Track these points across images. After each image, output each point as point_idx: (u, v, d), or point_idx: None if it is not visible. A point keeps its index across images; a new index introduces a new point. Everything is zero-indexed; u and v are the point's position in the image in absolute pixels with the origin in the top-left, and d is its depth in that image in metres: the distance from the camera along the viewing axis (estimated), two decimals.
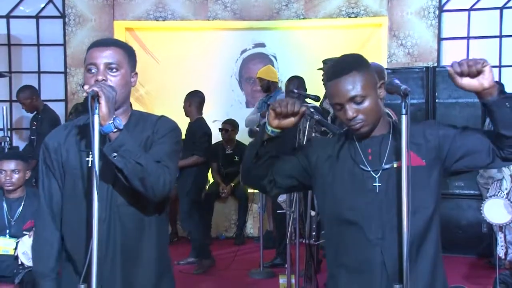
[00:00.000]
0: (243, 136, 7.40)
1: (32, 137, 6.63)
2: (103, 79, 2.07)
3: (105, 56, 2.10)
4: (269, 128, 2.04)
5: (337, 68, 2.00)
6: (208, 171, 6.31)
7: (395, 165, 1.99)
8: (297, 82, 5.75)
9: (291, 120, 2.02)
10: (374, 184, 2.00)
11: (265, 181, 2.14)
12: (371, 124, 2.00)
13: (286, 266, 4.54)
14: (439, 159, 2.01)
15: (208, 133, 5.93)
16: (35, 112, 6.65)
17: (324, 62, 6.07)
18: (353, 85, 1.95)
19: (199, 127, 5.77)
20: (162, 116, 2.27)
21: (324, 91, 5.78)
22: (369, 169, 2.01)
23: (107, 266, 2.09)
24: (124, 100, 2.17)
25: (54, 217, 2.20)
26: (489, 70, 1.81)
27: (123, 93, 2.14)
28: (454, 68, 1.84)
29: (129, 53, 2.20)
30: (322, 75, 5.89)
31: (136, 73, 2.22)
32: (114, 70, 2.11)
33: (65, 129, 2.24)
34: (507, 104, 1.83)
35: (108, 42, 2.18)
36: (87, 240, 1.99)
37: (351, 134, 2.09)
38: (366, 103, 1.96)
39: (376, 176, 2.00)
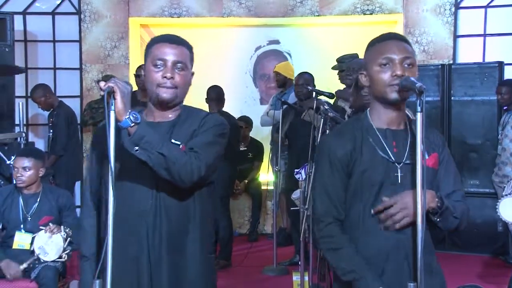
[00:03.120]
0: (257, 133, 7.41)
1: (49, 134, 6.67)
2: (172, 77, 2.13)
3: (175, 54, 2.17)
4: None
5: (394, 34, 2.12)
6: (234, 166, 6.14)
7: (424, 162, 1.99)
8: (306, 78, 5.72)
9: None
10: (396, 174, 2.02)
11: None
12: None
13: (299, 263, 4.55)
14: None
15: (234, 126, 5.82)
16: (51, 109, 6.69)
17: (338, 60, 6.04)
18: (409, 52, 2.04)
19: None
20: (211, 113, 2.32)
21: (337, 88, 5.77)
22: (394, 160, 2.03)
23: (154, 255, 2.13)
24: (183, 98, 2.23)
25: (92, 206, 2.27)
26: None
27: (185, 92, 2.21)
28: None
29: (192, 54, 2.26)
30: (338, 73, 5.87)
31: (193, 73, 2.27)
32: (181, 69, 2.17)
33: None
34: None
35: (178, 40, 2.25)
36: (122, 234, 2.06)
37: (368, 125, 2.09)
38: (413, 71, 2.02)
39: (399, 167, 2.02)
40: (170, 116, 2.20)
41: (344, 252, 2.02)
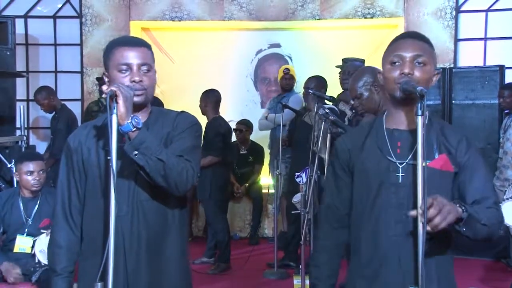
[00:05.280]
0: (257, 136, 7.41)
1: (51, 137, 6.69)
2: (140, 80, 2.10)
3: (138, 56, 2.12)
4: None
5: (411, 33, 2.12)
6: (228, 170, 6.17)
7: (424, 164, 1.96)
8: (315, 82, 5.70)
9: None
10: (397, 174, 1.99)
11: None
12: None
13: (300, 267, 4.54)
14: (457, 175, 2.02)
15: (221, 132, 5.81)
16: (54, 112, 6.70)
17: (344, 60, 6.03)
18: (423, 50, 2.00)
19: (212, 127, 5.74)
20: (182, 112, 2.28)
21: (339, 92, 5.77)
22: (395, 160, 2.00)
23: (132, 260, 2.11)
24: (152, 99, 2.21)
25: (68, 219, 2.22)
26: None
27: (153, 92, 2.19)
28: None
29: (152, 53, 2.22)
30: (339, 73, 5.86)
31: (156, 71, 2.24)
32: (147, 70, 2.13)
33: (85, 128, 2.27)
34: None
35: (138, 42, 2.20)
36: (105, 238, 2.02)
37: (379, 124, 2.08)
38: (425, 70, 1.98)
39: (400, 167, 1.99)
40: (140, 117, 2.12)
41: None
